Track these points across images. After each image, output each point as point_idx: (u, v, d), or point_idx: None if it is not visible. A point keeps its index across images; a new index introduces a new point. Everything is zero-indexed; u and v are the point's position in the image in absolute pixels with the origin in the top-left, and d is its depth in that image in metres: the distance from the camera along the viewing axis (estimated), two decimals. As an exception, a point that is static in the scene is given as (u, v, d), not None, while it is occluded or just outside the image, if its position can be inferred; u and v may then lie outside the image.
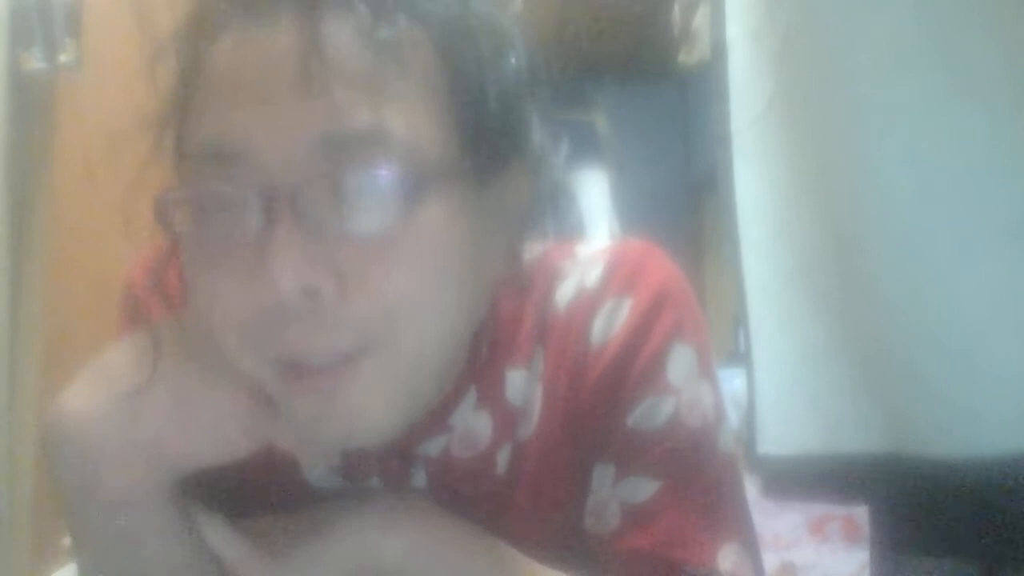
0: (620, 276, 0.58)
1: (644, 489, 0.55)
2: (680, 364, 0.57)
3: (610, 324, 0.57)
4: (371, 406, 0.48)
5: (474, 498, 0.57)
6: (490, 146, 0.50)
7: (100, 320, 0.60)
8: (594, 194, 2.47)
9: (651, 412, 0.56)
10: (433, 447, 0.57)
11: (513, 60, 0.52)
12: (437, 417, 0.56)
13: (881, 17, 0.86)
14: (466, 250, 0.49)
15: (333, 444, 0.51)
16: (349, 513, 0.54)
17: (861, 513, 1.36)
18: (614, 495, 0.56)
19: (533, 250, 0.61)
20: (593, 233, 0.66)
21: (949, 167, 0.82)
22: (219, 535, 0.53)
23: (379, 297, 0.46)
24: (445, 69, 0.48)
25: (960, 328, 0.81)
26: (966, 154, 0.81)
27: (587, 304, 0.58)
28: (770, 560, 1.75)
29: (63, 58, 1.53)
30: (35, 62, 1.52)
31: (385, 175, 0.45)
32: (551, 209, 0.57)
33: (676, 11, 1.42)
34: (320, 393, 0.48)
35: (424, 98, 0.48)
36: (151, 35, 0.50)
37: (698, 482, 0.56)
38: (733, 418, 1.23)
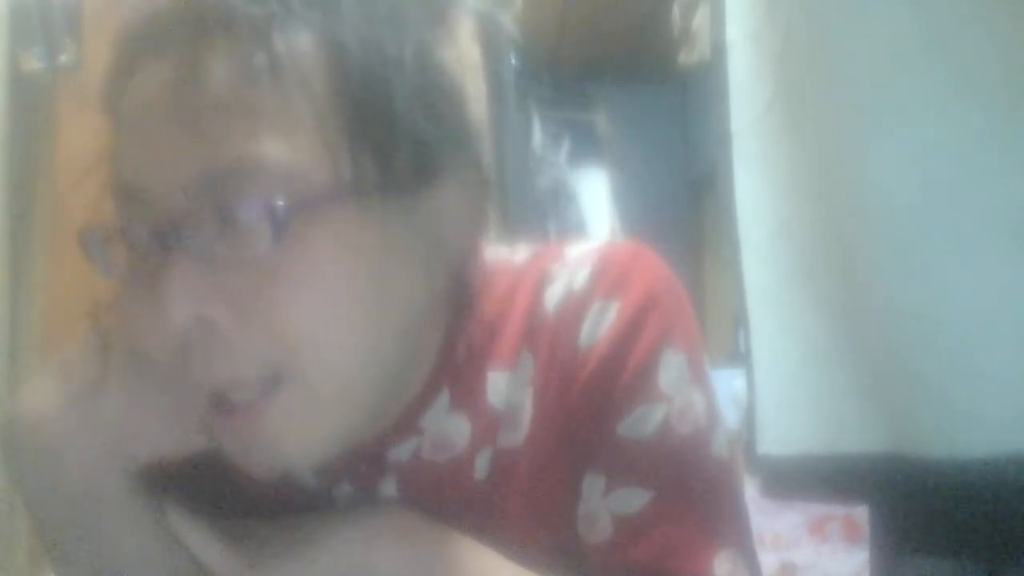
0: (608, 278, 0.57)
1: (636, 500, 0.55)
2: (671, 370, 0.56)
3: (597, 327, 0.56)
4: (292, 437, 0.49)
5: (450, 503, 0.56)
6: (405, 162, 0.49)
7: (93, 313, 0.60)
8: (594, 193, 2.47)
9: (642, 420, 0.55)
10: (403, 451, 0.57)
11: (445, 70, 0.51)
12: (406, 420, 0.56)
13: (881, 17, 0.86)
14: (376, 268, 0.49)
15: (263, 467, 0.51)
16: (339, 524, 0.54)
17: (861, 513, 1.36)
18: (605, 506, 0.55)
19: (520, 253, 0.60)
20: (592, 233, 0.65)
21: (949, 167, 0.81)
22: (197, 537, 0.53)
23: (275, 324, 0.47)
24: (338, 88, 0.48)
25: (960, 328, 0.81)
26: (966, 154, 0.81)
27: (575, 306, 0.57)
28: (770, 560, 1.75)
29: (63, 58, 1.53)
30: (35, 62, 1.52)
31: (255, 204, 0.45)
32: (513, 217, 0.57)
33: (676, 11, 1.42)
34: (240, 428, 0.48)
35: (311, 121, 0.47)
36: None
37: (691, 490, 0.55)
38: (733, 418, 1.24)
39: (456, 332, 0.56)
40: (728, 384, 1.37)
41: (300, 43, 0.47)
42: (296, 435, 0.49)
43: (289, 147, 0.46)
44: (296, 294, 0.47)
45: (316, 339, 0.47)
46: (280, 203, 0.45)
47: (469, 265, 0.55)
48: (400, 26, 0.50)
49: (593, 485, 0.56)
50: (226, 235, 0.46)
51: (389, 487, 0.57)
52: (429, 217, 0.51)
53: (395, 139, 0.49)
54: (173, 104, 0.46)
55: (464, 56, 0.53)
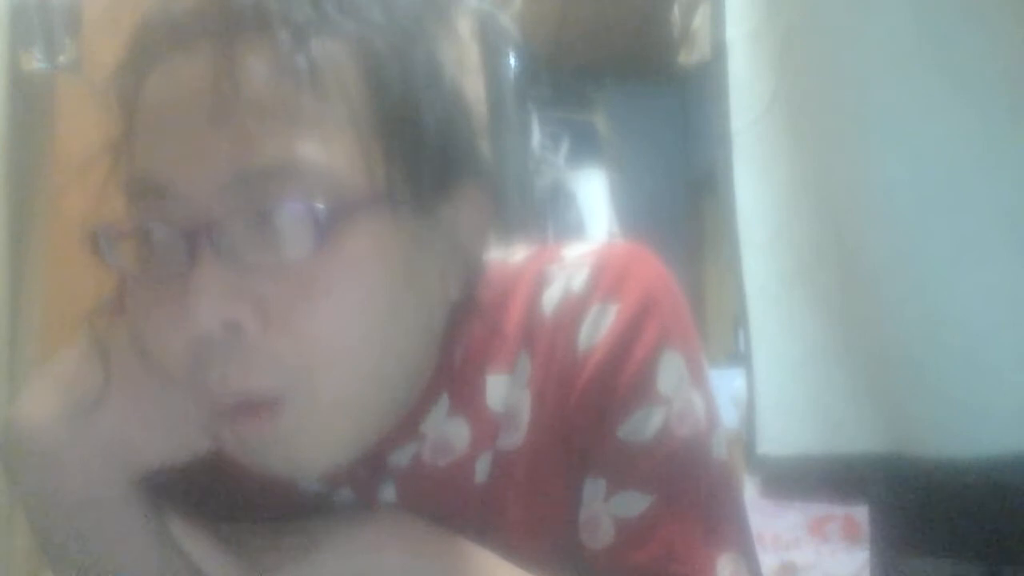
0: (606, 280, 0.57)
1: (637, 504, 0.54)
2: (670, 373, 0.56)
3: (596, 330, 0.56)
4: (304, 444, 0.48)
5: (451, 507, 0.56)
6: (431, 170, 0.49)
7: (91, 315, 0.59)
8: (593, 194, 2.47)
9: (641, 424, 0.55)
10: (403, 455, 0.56)
11: (457, 81, 0.51)
12: (407, 425, 0.55)
13: (881, 18, 0.86)
14: (401, 277, 0.49)
15: (273, 473, 0.51)
16: (341, 530, 0.54)
17: (861, 513, 1.36)
18: (606, 510, 0.55)
19: (517, 254, 0.60)
20: (591, 234, 0.65)
21: (948, 167, 0.81)
22: (199, 546, 0.52)
23: (305, 330, 0.46)
24: (372, 96, 0.48)
25: (959, 327, 0.81)
26: (965, 154, 0.81)
27: (573, 309, 0.57)
28: (770, 560, 1.74)
29: (63, 58, 1.53)
30: (35, 62, 1.52)
31: (297, 207, 0.45)
32: (513, 222, 0.57)
33: (676, 11, 1.42)
34: (251, 432, 0.47)
35: (348, 126, 0.47)
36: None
37: (692, 493, 0.55)
38: (733, 418, 1.24)
39: (455, 336, 0.56)
40: (728, 384, 1.37)
41: (336, 50, 0.47)
42: (311, 441, 0.48)
43: (327, 152, 0.46)
44: (329, 302, 0.46)
45: (342, 347, 0.47)
46: (321, 207, 0.45)
47: (477, 271, 0.55)
48: (422, 34, 0.50)
49: (594, 489, 0.56)
50: (261, 238, 0.45)
51: (389, 492, 0.57)
52: (447, 226, 0.51)
53: (424, 147, 0.49)
54: (209, 102, 0.45)
55: (464, 57, 0.53)
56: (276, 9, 0.46)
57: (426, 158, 0.49)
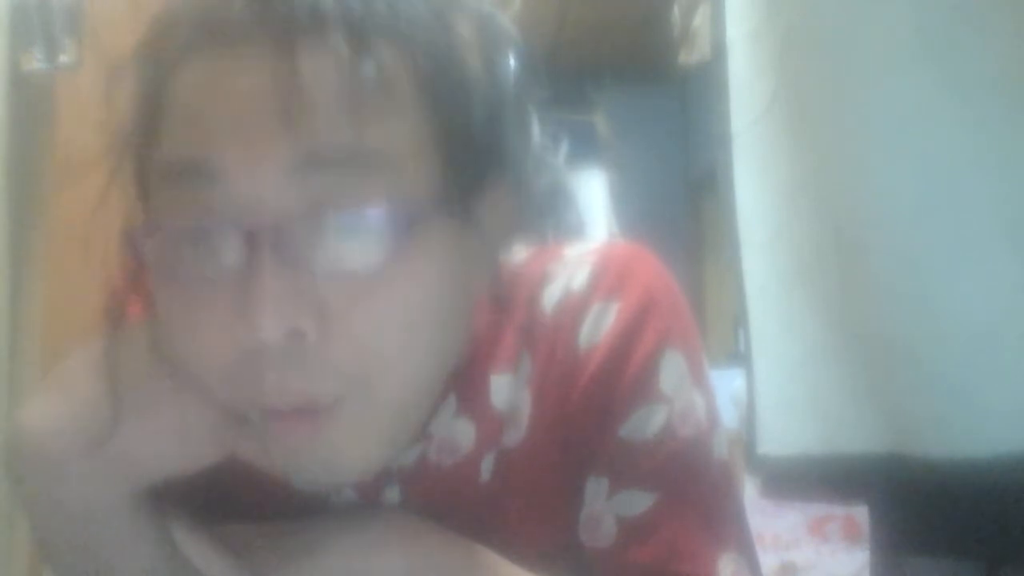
0: (607, 279, 0.57)
1: (639, 502, 0.54)
2: (671, 372, 0.56)
3: (597, 329, 0.56)
4: (354, 449, 0.48)
5: (456, 506, 0.56)
6: (476, 173, 0.49)
7: (100, 321, 0.59)
8: (593, 194, 2.47)
9: (643, 422, 0.55)
10: (408, 456, 0.56)
11: (502, 79, 0.51)
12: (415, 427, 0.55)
13: (881, 17, 0.86)
14: (451, 281, 0.48)
15: (315, 481, 0.51)
16: (342, 531, 0.54)
17: (861, 513, 1.36)
18: (608, 509, 0.55)
19: (518, 254, 0.60)
20: (590, 234, 0.65)
21: (949, 167, 0.81)
22: (201, 550, 0.52)
23: (364, 340, 0.45)
24: (425, 99, 0.47)
25: (960, 328, 0.81)
26: (966, 154, 0.81)
27: (574, 308, 0.57)
28: (770, 560, 1.74)
29: (63, 58, 1.53)
30: (35, 62, 1.52)
31: (375, 211, 0.44)
32: (535, 221, 0.57)
33: (676, 11, 1.42)
34: (301, 437, 0.47)
35: (406, 128, 0.46)
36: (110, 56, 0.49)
37: (694, 492, 0.55)
38: (733, 418, 1.24)
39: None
40: (728, 384, 1.37)
41: (390, 51, 0.46)
42: (357, 447, 0.48)
43: (392, 148, 0.45)
44: (392, 309, 0.45)
45: (400, 354, 0.46)
46: (393, 212, 0.44)
47: (499, 271, 0.55)
48: (457, 35, 0.49)
49: (596, 488, 0.56)
50: (327, 241, 0.44)
51: (392, 493, 0.57)
52: (484, 227, 0.51)
53: (473, 148, 0.48)
54: (271, 99, 0.43)
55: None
56: (333, 10, 0.44)
57: (474, 159, 0.48)
